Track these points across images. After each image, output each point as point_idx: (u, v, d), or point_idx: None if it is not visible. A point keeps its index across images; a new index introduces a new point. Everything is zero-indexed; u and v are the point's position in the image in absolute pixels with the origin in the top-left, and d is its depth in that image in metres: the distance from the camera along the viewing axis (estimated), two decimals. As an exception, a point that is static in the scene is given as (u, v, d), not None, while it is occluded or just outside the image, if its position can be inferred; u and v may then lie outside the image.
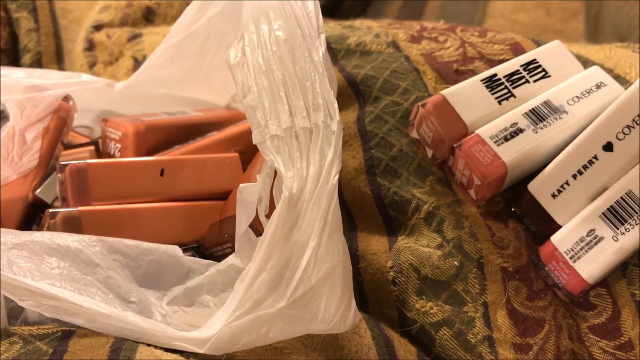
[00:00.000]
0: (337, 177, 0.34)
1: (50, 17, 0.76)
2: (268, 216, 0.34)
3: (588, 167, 0.40)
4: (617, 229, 0.39)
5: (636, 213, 0.38)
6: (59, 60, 0.75)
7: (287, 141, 0.35)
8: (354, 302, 0.34)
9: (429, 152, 0.45)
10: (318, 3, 0.41)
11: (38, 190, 0.45)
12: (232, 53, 0.39)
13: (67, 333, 0.33)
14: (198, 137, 0.52)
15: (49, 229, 0.40)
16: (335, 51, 0.55)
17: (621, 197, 0.39)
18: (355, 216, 0.47)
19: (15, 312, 0.38)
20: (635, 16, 0.92)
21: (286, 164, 0.34)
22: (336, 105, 0.37)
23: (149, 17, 0.75)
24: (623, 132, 0.39)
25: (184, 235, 0.44)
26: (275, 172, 0.35)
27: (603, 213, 0.39)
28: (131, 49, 0.70)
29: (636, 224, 0.38)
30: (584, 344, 0.40)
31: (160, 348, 0.32)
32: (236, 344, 0.32)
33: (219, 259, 0.41)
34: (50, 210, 0.40)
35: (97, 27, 0.74)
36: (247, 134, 0.43)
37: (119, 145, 0.50)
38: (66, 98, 0.48)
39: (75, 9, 0.79)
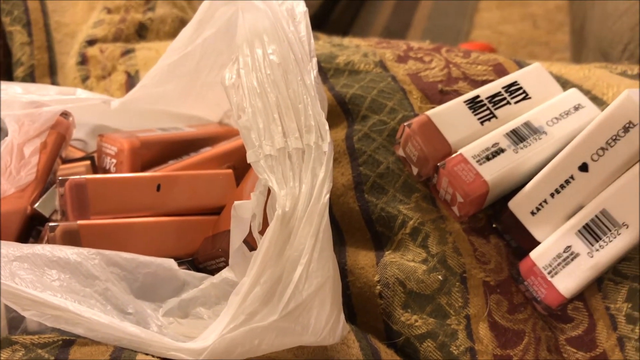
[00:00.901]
0: (328, 196, 0.36)
1: (44, 30, 0.77)
2: (261, 233, 0.36)
3: (565, 187, 0.42)
4: (592, 245, 0.41)
5: (610, 230, 0.40)
6: (51, 74, 0.76)
7: (280, 161, 0.37)
8: (342, 316, 0.36)
9: (415, 170, 0.47)
10: (310, 27, 0.43)
11: (37, 204, 0.46)
12: (227, 75, 0.41)
13: (68, 342, 0.34)
14: (192, 153, 0.54)
15: (48, 242, 0.41)
16: (325, 70, 0.57)
17: (596, 216, 0.41)
18: (344, 231, 0.48)
19: (15, 322, 0.39)
20: (617, 31, 0.94)
21: (279, 182, 0.36)
22: (327, 127, 0.38)
23: (141, 32, 0.77)
24: (598, 154, 0.41)
25: (178, 249, 0.45)
26: (269, 191, 0.37)
27: (579, 230, 0.41)
28: (124, 63, 0.71)
29: (610, 241, 0.40)
30: (561, 355, 0.42)
31: (157, 357, 0.34)
32: (230, 355, 0.34)
33: (212, 272, 0.43)
34: (50, 223, 0.41)
35: (91, 42, 0.75)
36: (240, 149, 0.44)
37: (114, 161, 0.51)
38: (66, 114, 0.49)
39: (70, 23, 0.80)
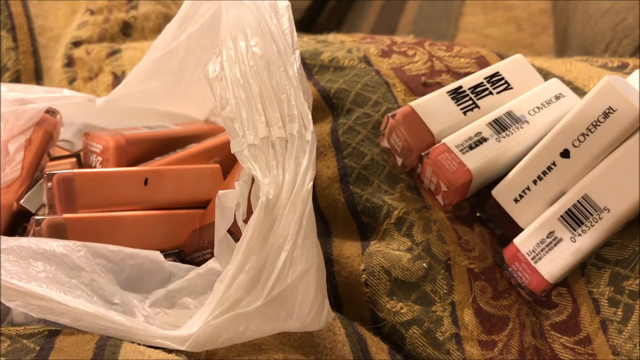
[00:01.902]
0: (311, 183, 0.36)
1: (28, 35, 0.77)
2: (246, 221, 0.36)
3: (547, 173, 0.43)
4: (575, 230, 0.41)
5: (592, 215, 0.41)
6: (37, 79, 0.76)
7: (264, 150, 0.37)
8: (327, 302, 0.36)
9: (399, 161, 0.47)
10: (293, 21, 0.43)
11: (22, 200, 0.46)
12: (211, 67, 0.41)
13: (53, 332, 0.34)
14: (178, 150, 0.54)
15: (34, 236, 0.41)
16: (310, 67, 0.57)
17: (578, 201, 0.41)
18: (330, 223, 0.49)
19: (0, 315, 0.39)
20: (599, 31, 0.95)
21: (263, 171, 0.36)
22: (310, 117, 0.39)
23: (126, 31, 0.77)
24: (578, 140, 0.42)
25: (165, 242, 0.45)
26: (253, 180, 0.37)
27: (561, 216, 0.42)
28: (110, 64, 0.71)
29: (592, 226, 0.41)
30: (546, 340, 0.42)
31: (143, 345, 0.34)
32: (215, 341, 0.34)
33: (199, 264, 0.43)
34: (36, 217, 0.41)
35: (76, 44, 0.75)
36: (226, 145, 0.44)
37: (100, 158, 0.51)
38: (53, 112, 0.49)
39: (54, 27, 0.80)
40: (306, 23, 1.51)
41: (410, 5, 1.76)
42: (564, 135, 0.42)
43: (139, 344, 0.34)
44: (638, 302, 0.40)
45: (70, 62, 0.73)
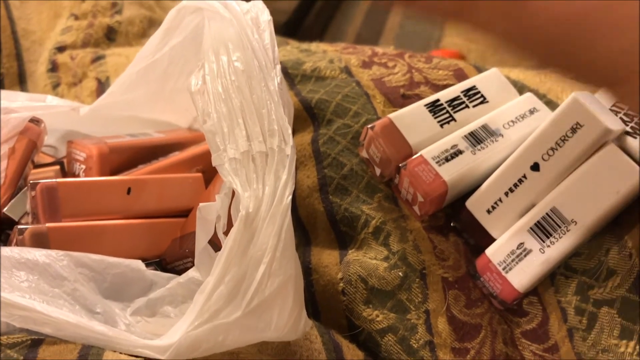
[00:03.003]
0: (290, 197, 0.38)
1: (12, 38, 0.77)
2: (226, 233, 0.37)
3: (518, 186, 0.44)
4: (544, 242, 0.43)
5: (560, 227, 0.42)
6: (21, 82, 0.76)
7: (244, 164, 0.38)
8: (304, 313, 0.37)
9: (377, 171, 0.48)
10: (274, 35, 0.44)
11: (6, 208, 0.46)
12: (193, 81, 0.42)
13: (36, 341, 0.35)
14: (161, 158, 0.55)
15: (17, 245, 0.42)
16: (292, 76, 0.58)
17: (547, 213, 0.43)
18: (310, 232, 0.50)
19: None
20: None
21: (243, 185, 0.37)
22: (290, 131, 0.40)
23: (110, 36, 0.77)
24: (548, 154, 0.43)
25: (147, 250, 0.46)
26: (233, 193, 0.38)
27: (531, 227, 0.43)
28: (95, 70, 0.72)
29: (560, 237, 0.42)
30: (516, 348, 0.44)
31: (125, 354, 0.35)
32: (195, 351, 0.35)
33: (179, 272, 0.44)
34: (19, 226, 0.42)
35: (60, 49, 0.76)
36: (208, 154, 0.45)
37: (83, 166, 0.52)
38: (37, 121, 0.50)
39: (37, 30, 0.80)
40: (293, 24, 1.52)
41: (396, 9, 1.77)
42: (535, 149, 0.44)
43: (120, 353, 0.35)
44: (601, 311, 0.41)
45: (54, 67, 0.74)
